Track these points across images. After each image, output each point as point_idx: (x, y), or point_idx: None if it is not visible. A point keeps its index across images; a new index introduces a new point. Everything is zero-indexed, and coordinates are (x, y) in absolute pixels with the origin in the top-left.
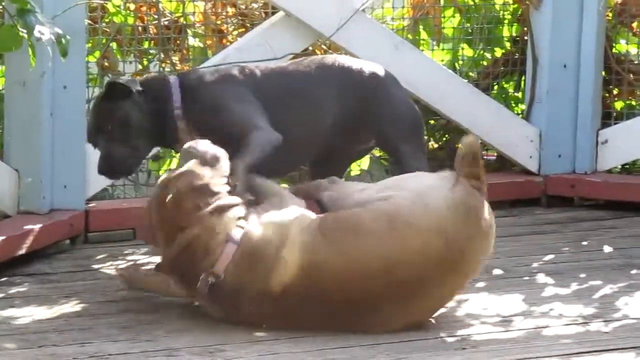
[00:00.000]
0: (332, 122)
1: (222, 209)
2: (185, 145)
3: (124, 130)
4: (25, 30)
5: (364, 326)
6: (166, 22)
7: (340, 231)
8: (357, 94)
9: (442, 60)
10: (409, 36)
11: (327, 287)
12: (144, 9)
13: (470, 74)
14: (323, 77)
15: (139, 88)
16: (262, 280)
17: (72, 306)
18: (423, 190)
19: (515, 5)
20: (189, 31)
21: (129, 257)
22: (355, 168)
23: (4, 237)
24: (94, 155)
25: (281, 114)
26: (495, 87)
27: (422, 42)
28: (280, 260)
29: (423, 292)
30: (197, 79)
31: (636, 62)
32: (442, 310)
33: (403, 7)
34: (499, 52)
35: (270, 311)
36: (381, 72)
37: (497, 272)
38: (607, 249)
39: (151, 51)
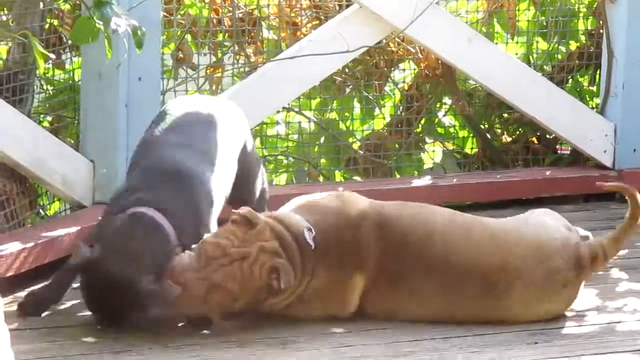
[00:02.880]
0: None
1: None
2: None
3: None
4: (101, 22)
5: None
6: (240, 15)
7: None
8: None
9: (517, 54)
10: (483, 29)
11: None
12: (218, 1)
13: (545, 67)
14: None
15: None
16: None
17: None
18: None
19: None
20: (263, 23)
21: None
22: (428, 161)
23: (79, 228)
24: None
25: None
26: (570, 81)
27: (496, 35)
28: None
29: None
30: None
31: None
32: None
33: None
34: (573, 46)
35: None
36: None
37: None
38: None
39: (225, 43)
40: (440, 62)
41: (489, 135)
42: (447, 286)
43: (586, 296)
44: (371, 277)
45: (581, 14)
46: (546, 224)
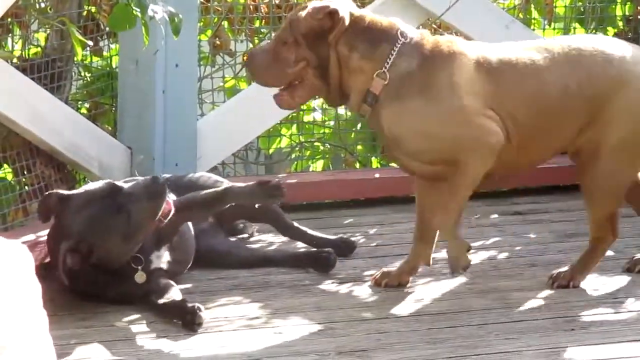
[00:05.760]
0: None
1: None
2: None
3: None
4: (138, 9)
5: None
6: (277, 1)
7: None
8: None
9: None
10: (520, 15)
11: None
12: None
13: None
14: None
15: None
16: None
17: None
18: None
19: None
20: None
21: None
22: None
23: None
24: (205, 132)
25: None
26: None
27: (533, 21)
28: None
29: None
30: None
31: None
32: (551, 291)
33: None
34: (611, 32)
35: None
36: None
37: (608, 253)
38: None
39: (262, 30)
40: None
41: None
42: None
43: (623, 283)
44: None
45: (619, 0)
46: None
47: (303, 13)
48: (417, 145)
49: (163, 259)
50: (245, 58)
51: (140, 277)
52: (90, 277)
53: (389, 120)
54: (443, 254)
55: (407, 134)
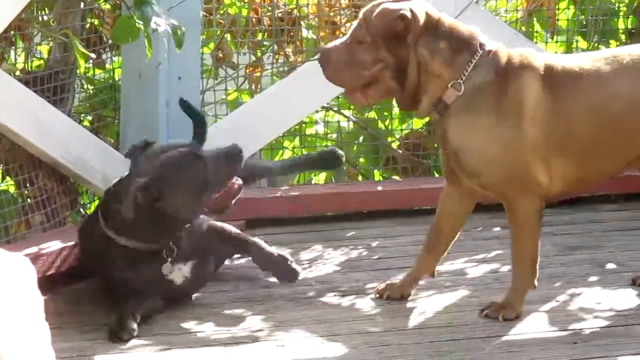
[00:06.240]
0: None
1: None
2: None
3: None
4: (141, 22)
5: None
6: (280, 14)
7: None
8: None
9: (556, 53)
10: (523, 28)
11: None
12: (258, 0)
13: None
14: None
15: None
16: None
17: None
18: None
19: None
20: (302, 23)
21: None
22: None
23: None
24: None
25: None
26: None
27: (536, 34)
28: None
29: None
30: None
31: None
32: (554, 304)
33: None
34: (614, 45)
35: None
36: None
37: (610, 266)
38: None
39: (265, 43)
40: None
41: None
42: None
43: (626, 296)
44: None
45: (621, 13)
46: None
47: (376, 11)
48: (471, 163)
49: (182, 273)
50: (318, 54)
51: (166, 269)
52: (140, 224)
53: (454, 131)
54: (446, 266)
55: (466, 149)
